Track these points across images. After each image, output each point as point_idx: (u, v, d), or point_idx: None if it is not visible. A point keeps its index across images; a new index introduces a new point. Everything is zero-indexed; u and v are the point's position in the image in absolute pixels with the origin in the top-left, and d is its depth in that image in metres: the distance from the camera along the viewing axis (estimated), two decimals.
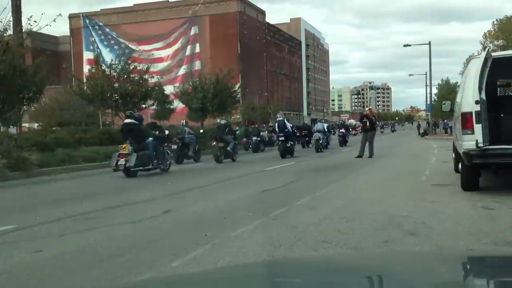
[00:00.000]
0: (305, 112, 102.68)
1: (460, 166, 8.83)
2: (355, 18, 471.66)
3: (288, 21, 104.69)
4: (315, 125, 25.56)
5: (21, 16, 18.21)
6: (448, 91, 50.96)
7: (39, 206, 7.83)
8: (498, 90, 10.52)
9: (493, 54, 8.06)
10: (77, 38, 79.99)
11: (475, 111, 7.32)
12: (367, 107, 29.44)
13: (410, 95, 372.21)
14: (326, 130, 24.66)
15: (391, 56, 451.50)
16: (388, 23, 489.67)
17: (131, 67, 22.34)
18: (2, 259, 4.56)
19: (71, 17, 79.17)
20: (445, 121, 46.35)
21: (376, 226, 5.50)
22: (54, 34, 75.53)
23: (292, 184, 10.01)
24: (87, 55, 71.72)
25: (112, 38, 77.49)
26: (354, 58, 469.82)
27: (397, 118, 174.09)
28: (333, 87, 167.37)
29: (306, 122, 47.22)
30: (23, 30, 16.18)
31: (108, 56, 50.80)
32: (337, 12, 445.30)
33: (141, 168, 12.19)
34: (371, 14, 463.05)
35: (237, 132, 20.96)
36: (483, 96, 7.46)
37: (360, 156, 16.82)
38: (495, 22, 37.15)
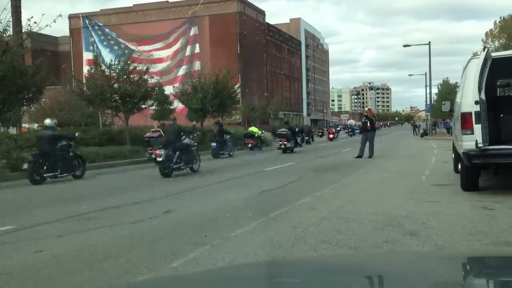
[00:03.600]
0: (305, 113, 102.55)
1: (460, 166, 8.82)
2: (369, 16, 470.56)
3: (288, 21, 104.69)
4: None
5: (21, 16, 18.25)
6: (448, 91, 50.97)
7: (39, 206, 7.83)
8: (498, 90, 10.52)
9: (493, 54, 8.06)
10: (77, 38, 79.99)
11: (475, 111, 7.31)
12: (366, 107, 29.63)
13: (416, 95, 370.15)
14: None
15: (403, 54, 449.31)
16: (403, 21, 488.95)
17: (131, 68, 22.29)
18: (2, 260, 4.56)
19: (71, 17, 79.10)
20: (447, 121, 46.40)
21: (376, 226, 5.50)
22: (54, 35, 75.52)
23: (292, 184, 10.00)
24: (87, 55, 71.68)
25: (111, 38, 77.49)
26: (367, 57, 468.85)
27: (396, 119, 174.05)
28: (332, 88, 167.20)
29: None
30: (23, 31, 16.22)
31: (107, 56, 50.81)
32: (355, 9, 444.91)
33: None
34: (384, 11, 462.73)
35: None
36: (483, 96, 7.46)
37: (360, 156, 16.82)
38: (497, 21, 37.00)
